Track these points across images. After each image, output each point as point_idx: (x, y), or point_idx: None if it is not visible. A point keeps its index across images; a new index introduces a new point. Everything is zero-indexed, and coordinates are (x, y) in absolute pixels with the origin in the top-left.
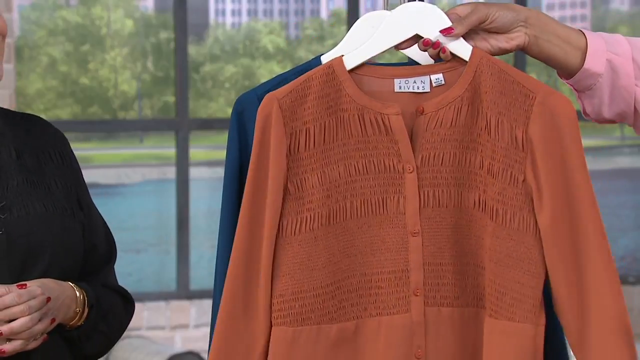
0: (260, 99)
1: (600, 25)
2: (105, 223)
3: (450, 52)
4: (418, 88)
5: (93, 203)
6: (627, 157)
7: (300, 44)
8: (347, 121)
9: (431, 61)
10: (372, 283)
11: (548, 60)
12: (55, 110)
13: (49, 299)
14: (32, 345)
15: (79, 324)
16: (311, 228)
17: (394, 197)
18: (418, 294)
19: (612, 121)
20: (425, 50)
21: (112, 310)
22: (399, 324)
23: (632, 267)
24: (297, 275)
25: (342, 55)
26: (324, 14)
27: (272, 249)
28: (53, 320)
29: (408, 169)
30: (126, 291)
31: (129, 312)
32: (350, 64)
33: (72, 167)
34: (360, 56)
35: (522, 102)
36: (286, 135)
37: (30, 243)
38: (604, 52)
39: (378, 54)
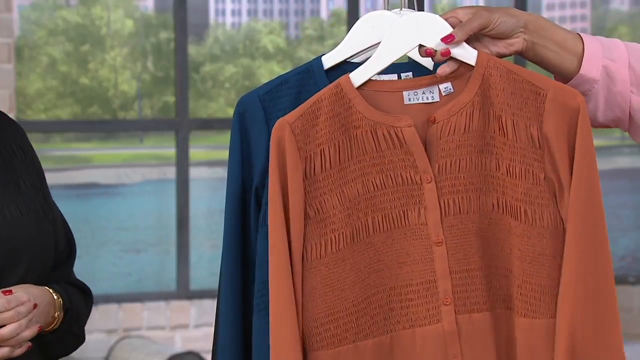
0: (261, 100)
1: (600, 25)
2: (63, 218)
3: (456, 59)
4: (427, 98)
5: (52, 197)
6: (627, 157)
7: (300, 44)
8: (361, 138)
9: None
10: (402, 296)
11: (544, 65)
12: (55, 110)
13: (35, 305)
14: (18, 352)
15: (55, 328)
16: (337, 249)
17: (414, 209)
18: (448, 302)
19: (606, 126)
20: (426, 57)
21: (80, 309)
22: (432, 334)
23: (632, 267)
24: (328, 297)
25: (349, 74)
26: (324, 14)
27: (300, 274)
28: (40, 327)
29: (426, 179)
30: (84, 284)
31: (89, 308)
32: (357, 81)
33: (34, 162)
34: (367, 72)
35: (533, 100)
36: (301, 160)
37: (8, 248)
38: (600, 58)
39: (383, 69)
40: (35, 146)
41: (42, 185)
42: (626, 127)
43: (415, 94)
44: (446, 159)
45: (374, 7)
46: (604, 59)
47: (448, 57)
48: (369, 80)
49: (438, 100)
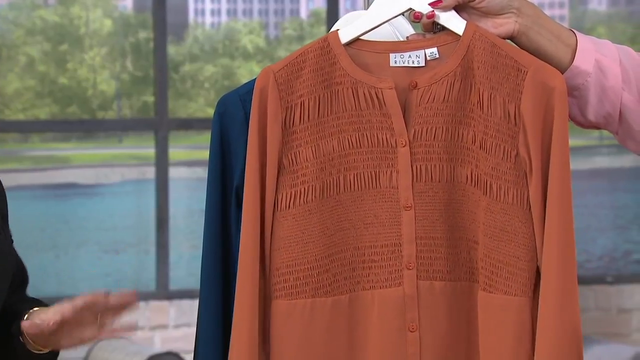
0: (242, 100)
1: (579, 25)
2: (14, 248)
3: (444, 26)
4: (413, 62)
5: (7, 224)
6: (605, 157)
7: (279, 44)
8: (341, 95)
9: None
10: (365, 257)
11: (537, 53)
12: (33, 110)
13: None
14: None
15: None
16: (305, 201)
17: (386, 172)
18: (411, 267)
19: (595, 125)
20: (416, 22)
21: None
22: (392, 297)
23: (610, 267)
24: (291, 248)
25: (338, 30)
26: (303, 14)
27: (271, 222)
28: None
29: (401, 143)
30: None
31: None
32: (345, 37)
33: None
34: (356, 30)
35: (514, 76)
36: (282, 109)
37: None
38: (592, 52)
39: (372, 29)
40: (13, 146)
41: (2, 210)
42: (615, 127)
43: (402, 56)
44: (422, 126)
45: (353, 7)
46: (597, 53)
47: (433, 20)
48: (358, 39)
49: (423, 65)
